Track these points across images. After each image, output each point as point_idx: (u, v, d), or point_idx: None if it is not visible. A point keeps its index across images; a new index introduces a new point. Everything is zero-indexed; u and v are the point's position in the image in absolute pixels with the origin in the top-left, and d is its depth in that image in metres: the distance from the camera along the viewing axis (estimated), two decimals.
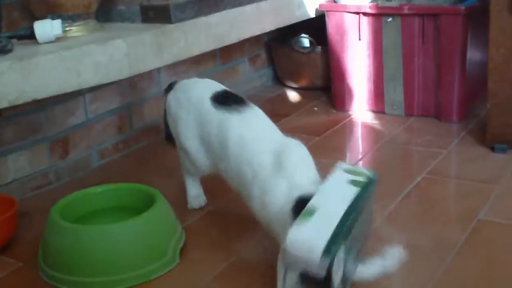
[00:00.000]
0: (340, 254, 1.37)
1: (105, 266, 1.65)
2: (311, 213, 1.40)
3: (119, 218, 1.77)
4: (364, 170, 1.57)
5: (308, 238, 1.36)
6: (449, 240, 1.80)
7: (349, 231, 1.41)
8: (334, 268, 1.35)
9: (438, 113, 2.65)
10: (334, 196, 1.46)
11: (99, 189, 1.90)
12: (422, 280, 1.63)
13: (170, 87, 1.97)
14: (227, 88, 1.92)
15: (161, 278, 1.69)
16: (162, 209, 1.77)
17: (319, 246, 1.33)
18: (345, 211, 1.41)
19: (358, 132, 2.64)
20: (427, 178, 2.17)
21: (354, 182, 1.51)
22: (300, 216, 1.40)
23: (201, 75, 2.77)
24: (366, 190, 1.50)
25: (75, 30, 2.08)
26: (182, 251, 1.78)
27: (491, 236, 1.82)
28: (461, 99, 2.61)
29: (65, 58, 1.88)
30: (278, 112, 2.85)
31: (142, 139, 2.54)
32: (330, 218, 1.39)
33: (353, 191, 1.48)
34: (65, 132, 2.26)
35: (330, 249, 1.33)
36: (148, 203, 1.77)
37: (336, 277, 1.37)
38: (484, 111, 2.38)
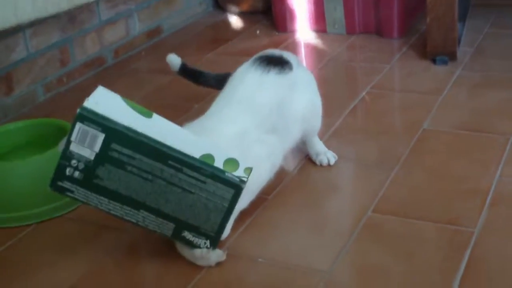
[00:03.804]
0: None
1: (4, 203, 1.66)
2: None
3: (32, 155, 1.74)
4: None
5: None
6: (395, 151, 1.84)
7: None
8: None
9: (379, 30, 2.68)
10: None
11: (11, 126, 1.88)
12: (370, 191, 1.68)
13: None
14: None
15: (64, 216, 1.69)
16: None
17: None
18: None
19: (302, 52, 2.65)
20: (371, 92, 2.21)
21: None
22: None
23: (141, 5, 2.75)
24: None
25: None
26: None
27: (436, 145, 1.87)
28: (401, 15, 2.63)
29: None
30: (220, 37, 2.84)
31: (86, 71, 2.52)
32: None
33: None
34: (7, 68, 2.23)
35: None
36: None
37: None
38: (424, 25, 2.41)
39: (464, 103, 2.09)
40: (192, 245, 1.44)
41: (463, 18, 2.64)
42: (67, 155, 1.36)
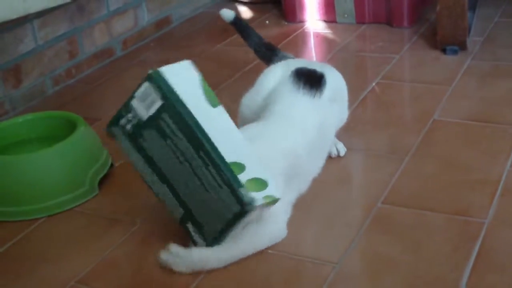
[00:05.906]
0: None
1: (15, 196, 1.66)
2: None
3: (41, 148, 1.75)
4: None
5: None
6: (406, 141, 1.84)
7: None
8: None
9: (389, 19, 2.67)
10: None
11: (19, 119, 1.88)
12: (380, 182, 1.67)
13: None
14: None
15: (74, 210, 1.69)
16: (79, 139, 1.74)
17: None
18: None
19: (311, 42, 2.65)
20: (381, 83, 2.20)
21: None
22: None
23: None
24: None
25: None
26: (105, 181, 1.78)
27: (446, 135, 1.86)
28: (411, 4, 2.62)
29: None
30: (229, 27, 2.81)
31: (94, 63, 2.52)
32: None
33: None
34: (15, 60, 2.23)
35: None
36: (72, 131, 1.76)
37: None
38: (434, 15, 2.40)
39: (474, 93, 2.08)
40: (192, 240, 1.45)
41: (473, 7, 2.62)
42: (127, 107, 1.42)
